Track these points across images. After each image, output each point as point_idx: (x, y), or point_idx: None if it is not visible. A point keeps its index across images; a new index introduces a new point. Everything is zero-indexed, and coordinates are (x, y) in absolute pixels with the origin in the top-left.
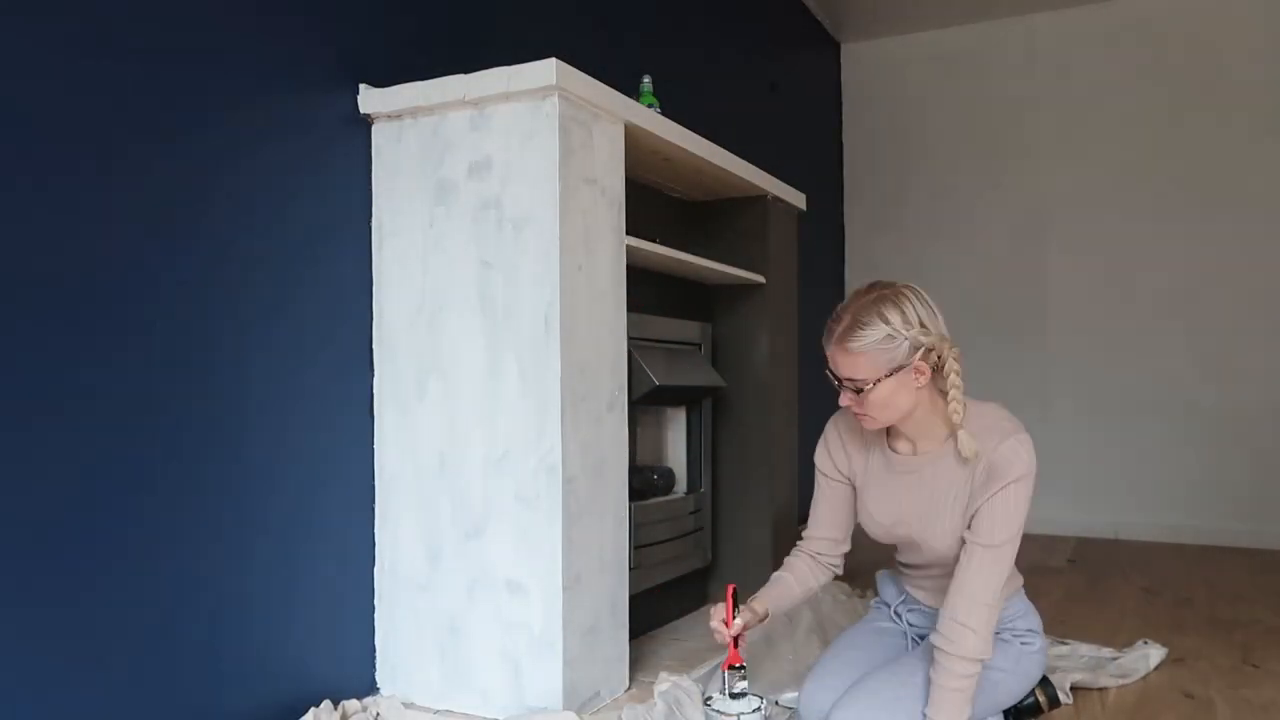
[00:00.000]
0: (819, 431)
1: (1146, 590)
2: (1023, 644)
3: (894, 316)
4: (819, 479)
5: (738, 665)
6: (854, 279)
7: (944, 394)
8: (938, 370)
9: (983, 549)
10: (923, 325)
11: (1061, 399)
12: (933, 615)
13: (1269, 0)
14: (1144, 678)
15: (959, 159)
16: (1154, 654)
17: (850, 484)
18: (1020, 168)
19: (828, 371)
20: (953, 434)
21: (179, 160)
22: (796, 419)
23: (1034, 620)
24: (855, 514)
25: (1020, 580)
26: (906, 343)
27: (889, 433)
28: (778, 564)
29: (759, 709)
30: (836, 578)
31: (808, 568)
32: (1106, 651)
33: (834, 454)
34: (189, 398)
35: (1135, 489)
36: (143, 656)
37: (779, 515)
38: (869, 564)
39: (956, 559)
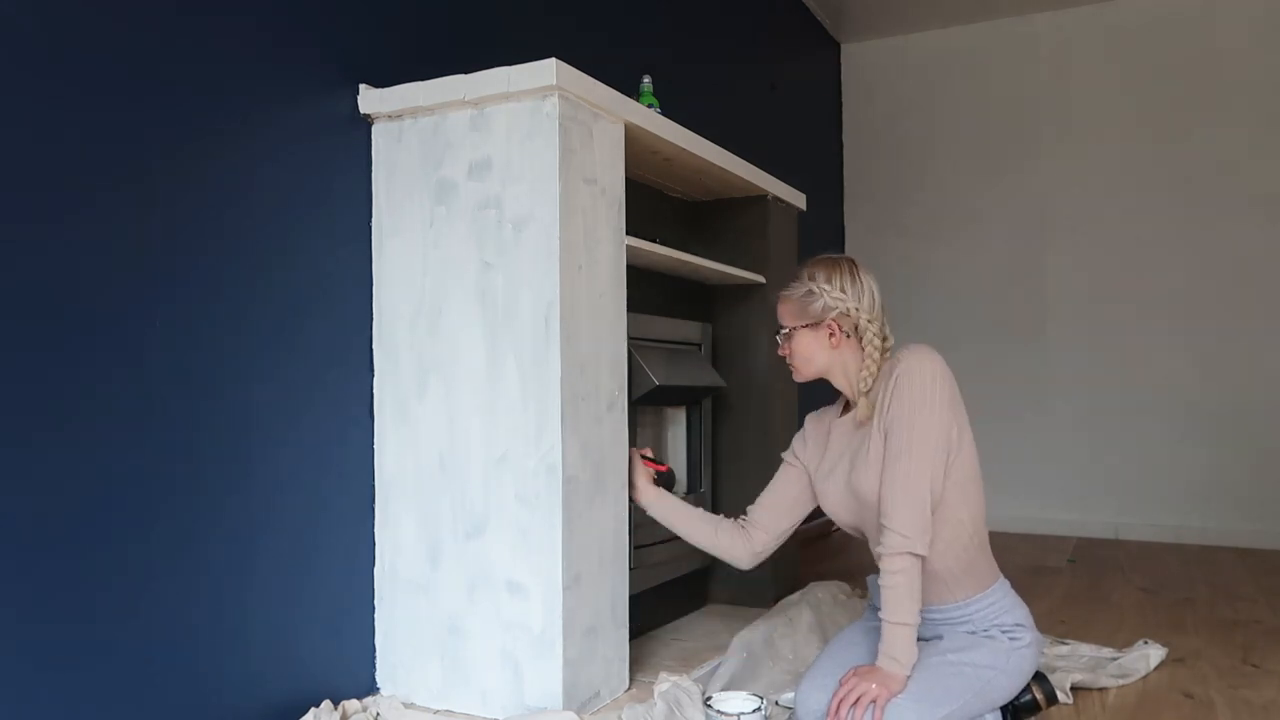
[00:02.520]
0: None
1: (1146, 590)
2: (1011, 639)
3: (819, 277)
4: (782, 466)
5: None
6: None
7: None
8: (854, 336)
9: (892, 455)
10: (842, 290)
11: (1061, 399)
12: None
13: (1269, 0)
14: (1144, 678)
15: (959, 159)
16: (1154, 654)
17: (804, 470)
18: (1020, 167)
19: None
20: (873, 397)
21: (179, 161)
22: (796, 419)
23: (1021, 614)
24: (794, 507)
25: (994, 573)
26: (822, 301)
27: (844, 410)
28: (778, 563)
29: (759, 709)
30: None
31: (730, 534)
32: (1106, 651)
33: (800, 441)
34: (188, 398)
35: (1135, 489)
36: (143, 656)
37: None
38: (869, 565)
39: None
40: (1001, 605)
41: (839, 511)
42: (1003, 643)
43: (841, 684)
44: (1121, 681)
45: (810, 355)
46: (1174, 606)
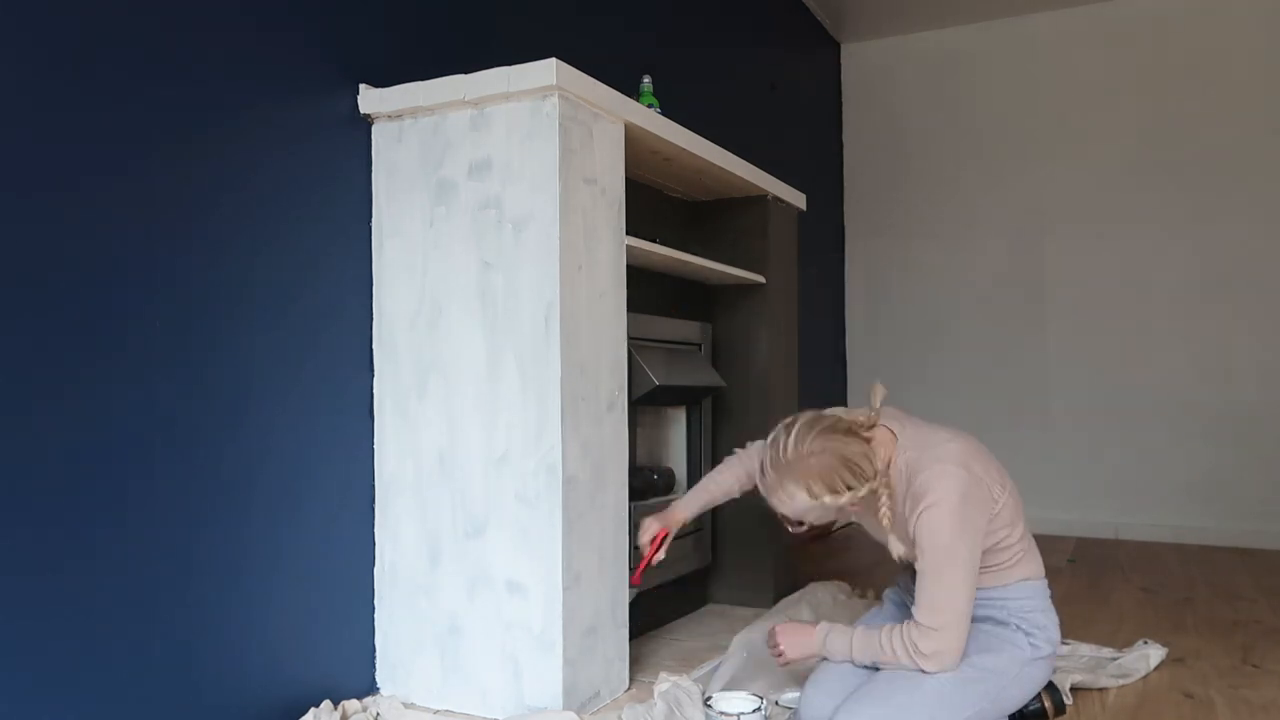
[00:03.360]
0: None
1: (1146, 590)
2: (1032, 645)
3: (818, 491)
4: None
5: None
6: (854, 279)
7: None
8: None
9: (921, 570)
10: (849, 489)
11: (1061, 399)
12: None
13: (1269, 1)
14: (1144, 678)
15: (959, 159)
16: (1154, 654)
17: None
18: (1020, 168)
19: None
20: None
21: (179, 161)
22: None
23: (1049, 621)
24: None
25: (1036, 568)
26: (838, 506)
27: None
28: (778, 563)
29: (759, 709)
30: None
31: (736, 459)
32: (1106, 651)
33: None
34: (188, 397)
35: (1135, 489)
36: (143, 656)
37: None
38: (869, 565)
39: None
40: (1034, 604)
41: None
42: (1024, 649)
43: (776, 633)
44: (1121, 681)
45: (831, 522)
46: (1174, 606)
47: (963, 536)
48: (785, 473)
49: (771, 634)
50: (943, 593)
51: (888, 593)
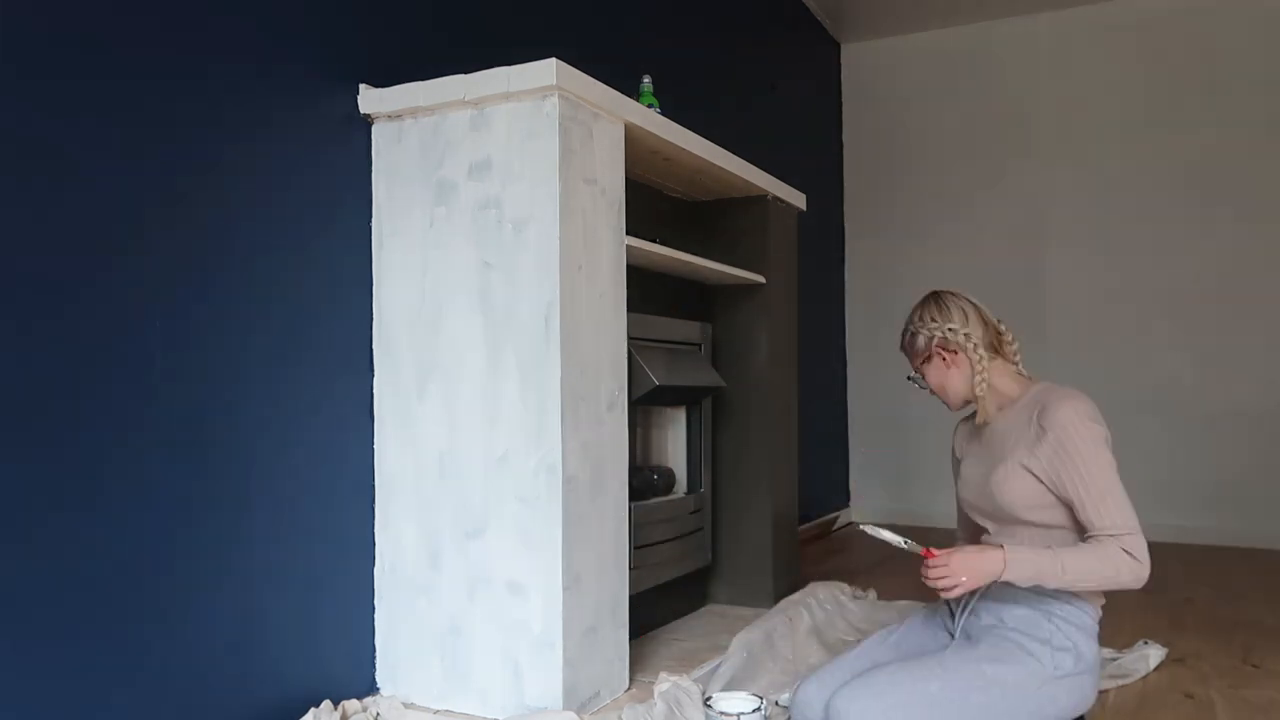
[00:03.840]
0: (818, 431)
1: (1146, 590)
2: (1055, 665)
3: (914, 318)
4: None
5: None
6: (854, 279)
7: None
8: (961, 352)
9: (1088, 495)
10: (933, 319)
11: None
12: (998, 610)
13: (1269, 1)
14: (1144, 678)
15: (959, 159)
16: (1153, 654)
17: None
18: (1020, 168)
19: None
20: (991, 400)
21: (178, 161)
22: (796, 419)
23: (1087, 645)
24: None
25: (1099, 595)
26: (922, 336)
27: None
28: (778, 563)
29: (759, 709)
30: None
31: None
32: (1107, 652)
33: (956, 435)
34: (188, 398)
35: (1135, 489)
36: (143, 657)
37: (779, 515)
38: (869, 563)
39: (1023, 521)
40: (1081, 624)
41: (971, 503)
42: (1045, 664)
43: (939, 562)
44: (1121, 682)
45: (943, 383)
46: (1174, 606)
47: (1103, 447)
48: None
49: (934, 562)
50: (1113, 508)
51: (922, 611)
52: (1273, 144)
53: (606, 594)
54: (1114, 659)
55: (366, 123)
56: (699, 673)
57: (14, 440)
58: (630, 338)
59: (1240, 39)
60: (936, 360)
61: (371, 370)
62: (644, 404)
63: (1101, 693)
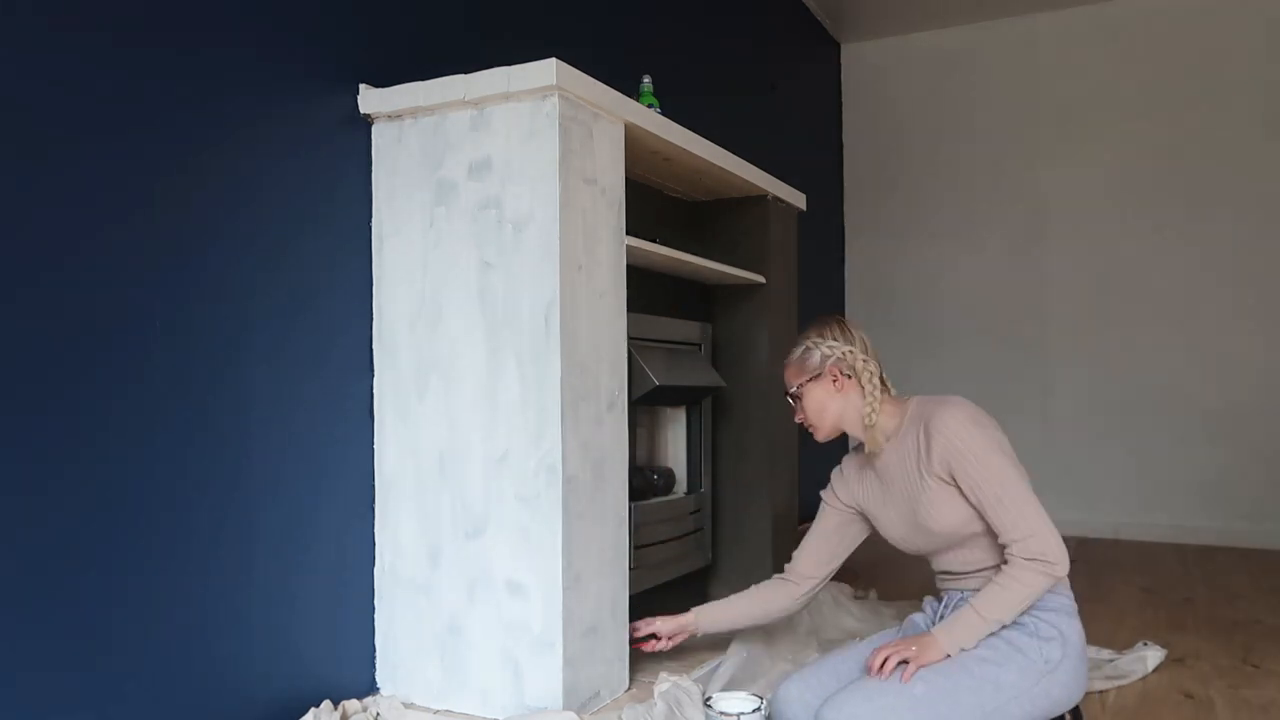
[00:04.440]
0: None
1: (1146, 590)
2: (1044, 653)
3: (811, 334)
4: (821, 508)
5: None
6: (854, 279)
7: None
8: (854, 377)
9: (992, 501)
10: (835, 339)
11: (1061, 399)
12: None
13: (1269, 1)
14: (1143, 679)
15: (958, 159)
16: (1151, 656)
17: (856, 511)
18: (1020, 167)
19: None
20: (880, 430)
21: (178, 161)
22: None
23: (1071, 626)
24: (845, 547)
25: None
26: (818, 352)
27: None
28: (778, 564)
29: (759, 709)
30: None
31: (772, 590)
32: (1106, 653)
33: (842, 484)
34: (189, 398)
35: (1135, 489)
36: (143, 657)
37: (779, 515)
38: (869, 565)
39: (970, 536)
40: (1058, 603)
41: (903, 542)
42: (1035, 659)
43: (886, 646)
44: (1118, 683)
45: (821, 406)
46: (1174, 606)
47: (992, 450)
48: (796, 338)
49: (881, 657)
50: (1009, 508)
51: (915, 616)
52: (1272, 144)
53: (606, 594)
54: (1112, 660)
55: (366, 123)
56: (699, 673)
57: (13, 440)
58: (630, 338)
59: (1240, 39)
60: (826, 382)
61: (371, 370)
62: (644, 404)
63: (1100, 693)
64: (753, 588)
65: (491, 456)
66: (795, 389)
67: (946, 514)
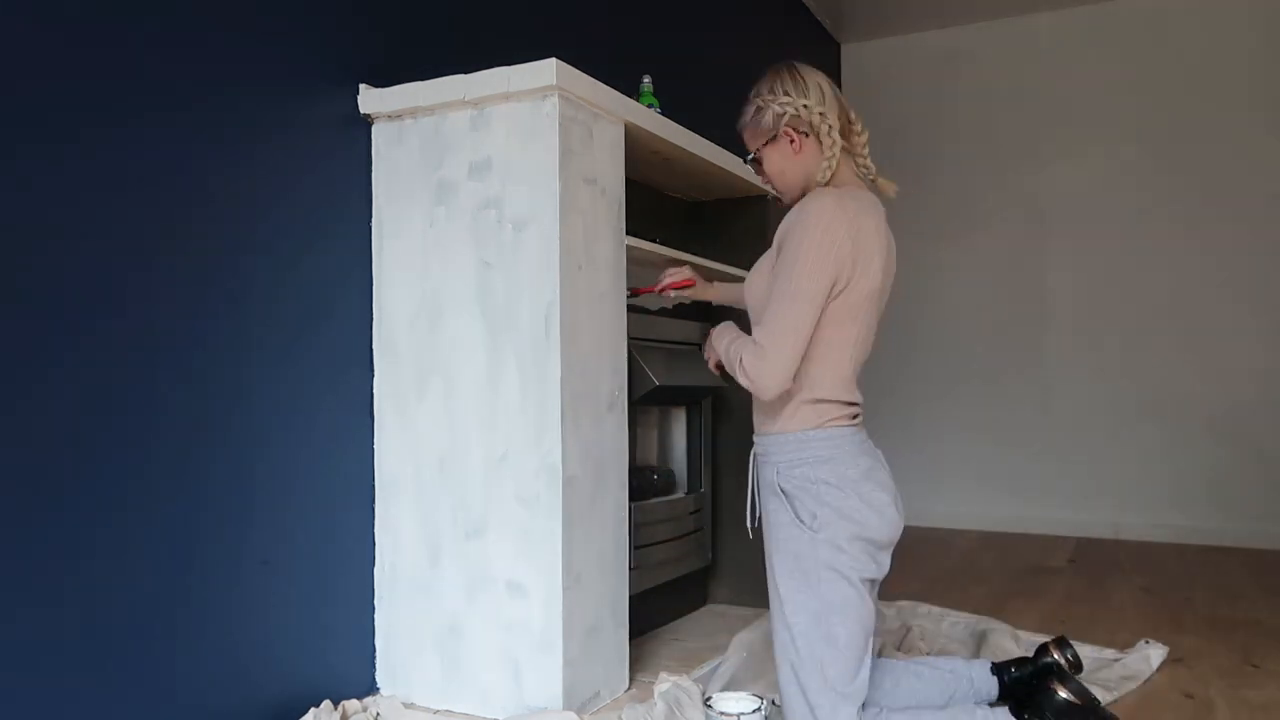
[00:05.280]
0: None
1: (1146, 590)
2: (798, 499)
3: (762, 90)
4: None
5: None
6: None
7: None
8: (813, 135)
9: (776, 294)
10: (786, 94)
11: (1062, 399)
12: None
13: (1269, 1)
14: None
15: (958, 159)
16: (1155, 654)
17: None
18: (1020, 167)
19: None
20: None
21: (179, 161)
22: None
23: (814, 466)
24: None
25: (827, 415)
26: (769, 111)
27: None
28: None
29: (759, 709)
30: None
31: None
32: (1109, 653)
33: None
34: (189, 398)
35: (1135, 489)
36: (142, 656)
37: None
38: None
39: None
40: (788, 453)
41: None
42: (803, 524)
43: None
44: (1130, 685)
45: (781, 170)
46: (1174, 606)
47: (810, 255)
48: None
49: (706, 342)
50: (773, 310)
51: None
52: (1272, 144)
53: (606, 594)
54: (1117, 659)
55: (366, 123)
56: (699, 673)
57: (12, 440)
58: (630, 338)
59: (1240, 39)
60: (782, 143)
61: (371, 370)
62: (644, 404)
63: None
64: None
65: (491, 456)
66: (753, 155)
67: (756, 284)
